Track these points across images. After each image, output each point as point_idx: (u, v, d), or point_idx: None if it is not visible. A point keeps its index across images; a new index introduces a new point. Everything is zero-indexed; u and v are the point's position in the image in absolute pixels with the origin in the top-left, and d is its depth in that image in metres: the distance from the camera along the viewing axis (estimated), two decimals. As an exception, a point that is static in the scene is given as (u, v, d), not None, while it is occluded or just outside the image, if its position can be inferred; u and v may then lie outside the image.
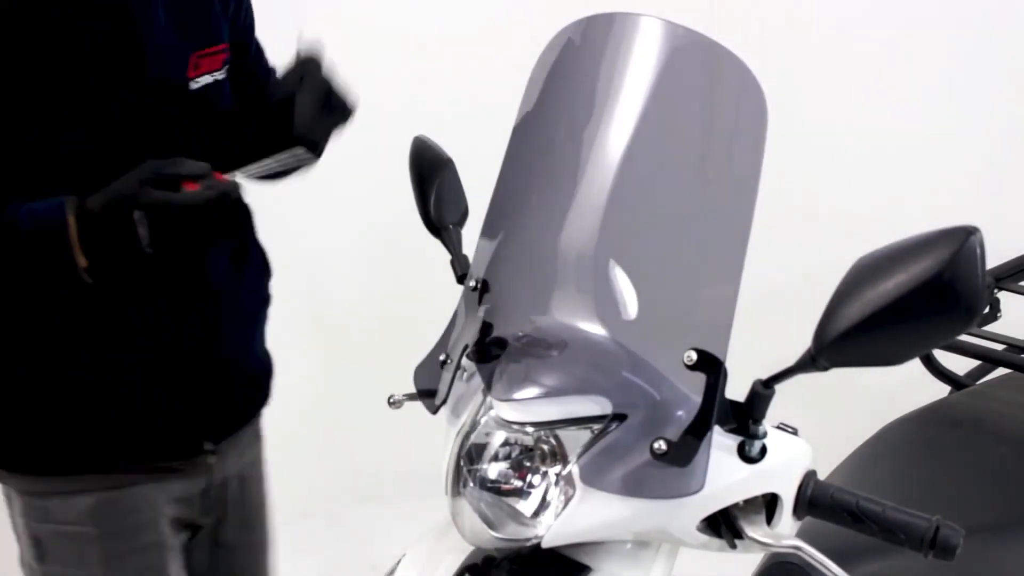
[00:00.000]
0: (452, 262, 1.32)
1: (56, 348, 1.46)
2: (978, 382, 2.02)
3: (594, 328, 1.16)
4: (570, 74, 1.29)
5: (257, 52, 1.73)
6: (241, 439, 1.68)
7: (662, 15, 1.18)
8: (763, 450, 1.06)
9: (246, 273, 1.64)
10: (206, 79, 1.51)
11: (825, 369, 0.97)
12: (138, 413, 1.49)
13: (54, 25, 1.35)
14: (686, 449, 1.02)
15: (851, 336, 0.93)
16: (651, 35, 1.19)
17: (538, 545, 1.09)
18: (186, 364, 1.52)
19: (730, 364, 1.04)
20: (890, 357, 0.94)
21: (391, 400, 1.31)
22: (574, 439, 1.08)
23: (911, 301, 0.90)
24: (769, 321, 2.15)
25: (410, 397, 1.30)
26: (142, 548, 1.55)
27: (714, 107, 1.17)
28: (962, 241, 0.89)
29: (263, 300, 1.71)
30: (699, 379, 1.04)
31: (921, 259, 0.89)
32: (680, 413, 1.06)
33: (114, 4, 1.39)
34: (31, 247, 1.32)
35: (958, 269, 0.88)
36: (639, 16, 1.20)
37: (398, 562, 1.21)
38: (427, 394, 1.26)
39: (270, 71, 1.74)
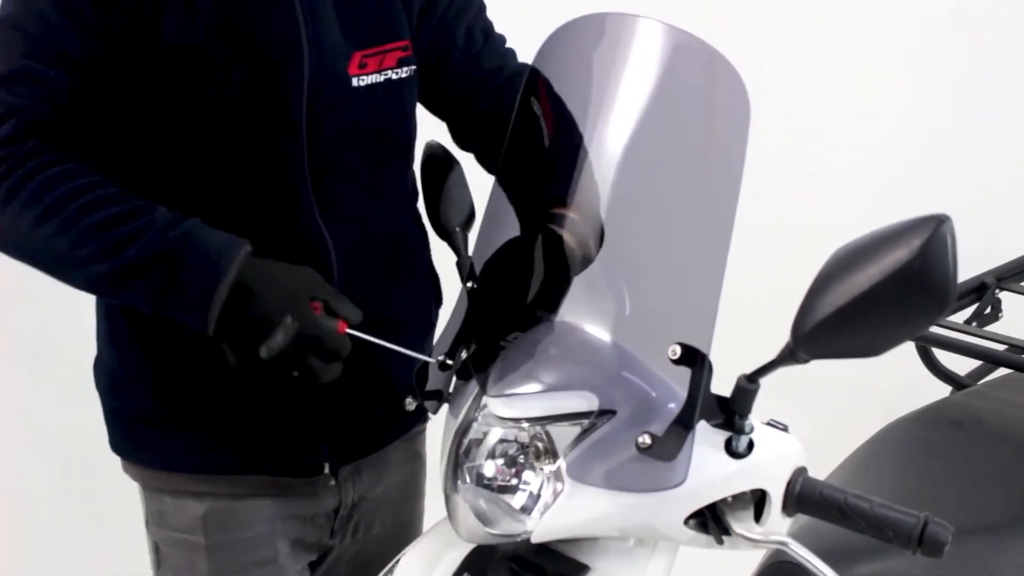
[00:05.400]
0: (458, 263, 1.33)
1: (195, 342, 1.35)
2: (979, 382, 2.01)
3: (583, 325, 1.16)
4: (562, 74, 1.30)
5: (471, 45, 1.55)
6: (380, 462, 1.57)
7: (661, 15, 1.18)
8: (750, 445, 1.06)
9: (410, 299, 1.54)
10: (374, 78, 1.41)
11: (805, 361, 0.98)
12: (259, 423, 1.43)
13: (210, 13, 1.30)
14: (671, 443, 1.03)
15: (827, 327, 0.93)
16: (640, 35, 1.20)
17: (541, 544, 1.10)
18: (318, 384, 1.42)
19: (724, 361, 1.05)
20: (868, 348, 0.95)
21: (406, 404, 1.32)
22: (564, 435, 1.09)
23: (884, 290, 0.90)
24: (762, 318, 2.14)
25: (415, 398, 1.30)
26: (254, 564, 1.47)
27: (699, 105, 1.18)
28: (933, 229, 0.89)
29: (424, 327, 1.57)
30: (687, 374, 1.04)
31: (894, 249, 0.90)
32: (667, 408, 1.07)
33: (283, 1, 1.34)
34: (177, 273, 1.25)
35: (929, 257, 0.88)
36: (628, 16, 1.21)
37: (397, 561, 1.22)
38: (428, 395, 1.27)
39: (501, 68, 1.57)
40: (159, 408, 1.44)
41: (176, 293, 1.25)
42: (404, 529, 1.65)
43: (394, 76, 1.43)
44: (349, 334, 1.25)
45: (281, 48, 1.34)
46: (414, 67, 1.47)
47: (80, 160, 1.29)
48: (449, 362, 1.25)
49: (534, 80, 1.28)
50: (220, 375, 1.37)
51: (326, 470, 1.49)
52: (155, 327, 1.37)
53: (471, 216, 1.41)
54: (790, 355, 0.98)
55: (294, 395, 1.42)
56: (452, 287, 1.42)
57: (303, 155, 1.36)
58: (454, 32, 1.53)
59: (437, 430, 1.50)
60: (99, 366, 1.51)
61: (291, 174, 1.36)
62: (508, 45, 1.61)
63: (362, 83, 1.40)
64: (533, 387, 1.11)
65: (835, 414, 2.61)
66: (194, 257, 1.24)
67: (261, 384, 1.39)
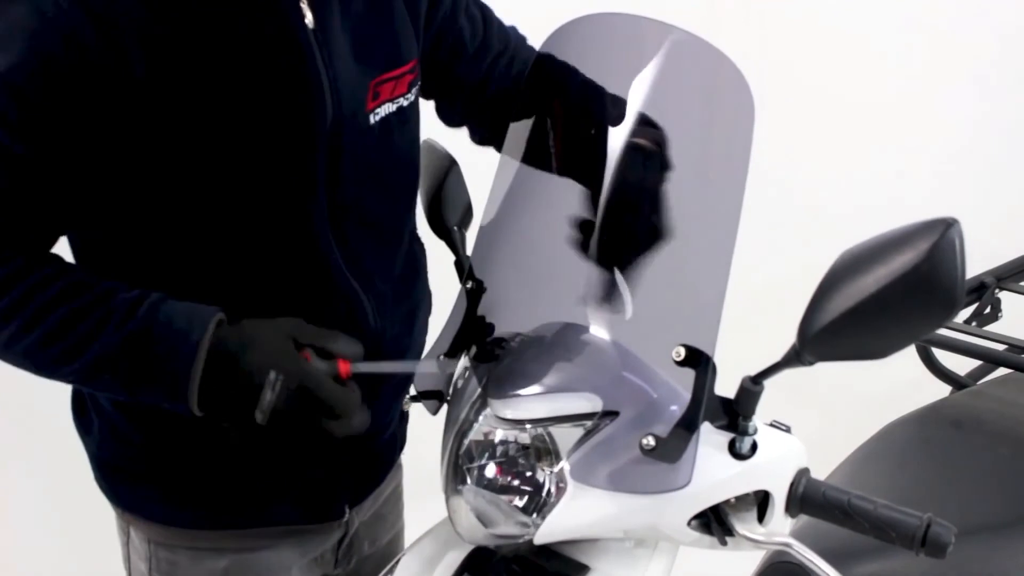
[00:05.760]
0: (456, 263, 1.32)
1: None
2: (979, 382, 2.02)
3: (587, 326, 1.16)
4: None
5: (475, 29, 1.47)
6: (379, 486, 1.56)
7: (662, 15, 1.18)
8: (754, 447, 1.06)
9: (420, 323, 1.48)
10: (387, 108, 1.30)
11: (811, 363, 0.97)
12: (283, 477, 1.37)
13: (221, 63, 1.15)
14: (675, 445, 1.03)
15: (834, 330, 0.93)
16: (643, 35, 1.20)
17: (541, 545, 1.10)
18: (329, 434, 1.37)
19: (727, 363, 1.04)
20: (874, 350, 0.95)
21: (403, 403, 1.31)
22: (567, 436, 1.09)
23: (892, 294, 0.90)
24: (766, 319, 2.15)
25: (413, 399, 1.30)
26: None
27: (703, 106, 1.18)
28: (941, 233, 0.89)
29: (422, 344, 1.49)
30: (691, 375, 1.04)
31: (901, 252, 0.90)
32: (671, 409, 1.07)
33: (291, 35, 1.18)
34: (151, 358, 1.15)
35: (937, 261, 0.88)
36: (631, 17, 1.20)
37: (397, 561, 1.22)
38: (427, 395, 1.26)
39: (506, 47, 1.50)
40: (173, 464, 1.36)
41: (149, 378, 1.16)
42: (394, 542, 1.64)
43: (405, 103, 1.34)
44: (354, 373, 1.16)
45: (302, 97, 1.21)
46: (419, 83, 1.39)
47: (33, 248, 1.18)
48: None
49: (537, 80, 1.28)
50: (239, 434, 1.31)
51: (347, 512, 1.46)
52: None
53: (468, 215, 1.41)
54: (796, 357, 0.98)
55: (308, 446, 1.37)
56: (445, 292, 1.42)
57: (324, 208, 1.26)
58: (458, 22, 1.46)
59: (435, 431, 1.51)
60: (87, 412, 1.41)
61: (313, 230, 1.26)
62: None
63: (377, 118, 1.29)
64: (535, 388, 1.10)
65: (835, 414, 2.62)
66: (160, 341, 1.14)
67: (275, 438, 1.32)
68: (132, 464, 1.38)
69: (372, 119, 1.29)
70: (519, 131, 1.30)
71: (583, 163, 1.23)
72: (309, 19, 1.20)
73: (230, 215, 1.21)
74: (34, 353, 1.17)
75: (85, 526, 1.98)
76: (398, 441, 1.54)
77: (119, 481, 1.41)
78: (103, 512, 1.48)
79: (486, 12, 1.52)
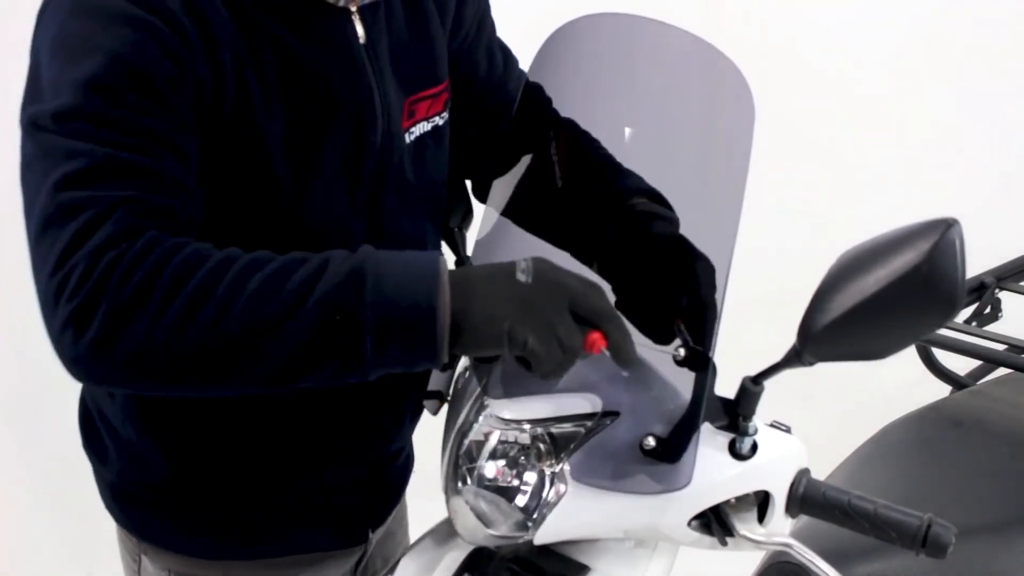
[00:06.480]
0: (456, 263, 1.32)
1: (243, 430, 1.27)
2: (979, 382, 2.02)
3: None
4: (565, 74, 1.29)
5: (494, 67, 1.45)
6: None
7: (662, 15, 1.18)
8: (754, 447, 1.07)
9: None
10: (422, 127, 1.28)
11: (811, 364, 0.98)
12: (311, 504, 1.36)
13: (287, 80, 1.14)
14: (675, 445, 1.03)
15: (834, 330, 0.93)
16: (643, 35, 1.20)
17: (541, 545, 1.10)
18: (356, 459, 1.37)
19: (728, 362, 1.04)
20: (875, 351, 0.95)
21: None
22: (568, 437, 1.09)
23: (892, 294, 0.90)
24: (767, 319, 2.15)
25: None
26: None
27: (704, 107, 1.18)
28: (941, 233, 0.89)
29: None
30: (691, 375, 1.04)
31: (902, 252, 0.90)
32: (671, 410, 1.07)
33: (347, 51, 1.18)
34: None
35: (937, 261, 0.89)
36: (633, 17, 1.20)
37: (397, 561, 1.22)
38: (428, 395, 1.26)
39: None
40: (203, 495, 1.33)
41: (390, 307, 0.97)
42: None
43: (440, 121, 1.32)
44: None
45: (359, 114, 1.19)
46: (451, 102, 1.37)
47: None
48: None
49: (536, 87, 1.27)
50: (260, 456, 1.31)
51: (370, 535, 1.45)
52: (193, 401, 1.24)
53: (469, 215, 1.41)
54: (796, 357, 0.98)
55: (333, 473, 1.36)
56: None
57: (365, 229, 1.24)
58: (475, 55, 1.43)
59: (435, 431, 1.51)
60: (101, 439, 1.36)
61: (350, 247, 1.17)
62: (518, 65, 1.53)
63: (412, 137, 1.27)
64: (535, 388, 1.10)
65: (835, 414, 2.62)
66: (392, 263, 0.99)
67: (301, 464, 1.33)
68: (155, 493, 1.34)
69: (408, 138, 1.27)
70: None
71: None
72: (360, 34, 1.20)
73: (275, 232, 1.17)
74: (235, 332, 0.97)
75: (86, 546, 1.97)
76: (410, 460, 1.54)
77: (138, 510, 1.37)
78: (102, 531, 1.47)
79: (509, 58, 1.49)
